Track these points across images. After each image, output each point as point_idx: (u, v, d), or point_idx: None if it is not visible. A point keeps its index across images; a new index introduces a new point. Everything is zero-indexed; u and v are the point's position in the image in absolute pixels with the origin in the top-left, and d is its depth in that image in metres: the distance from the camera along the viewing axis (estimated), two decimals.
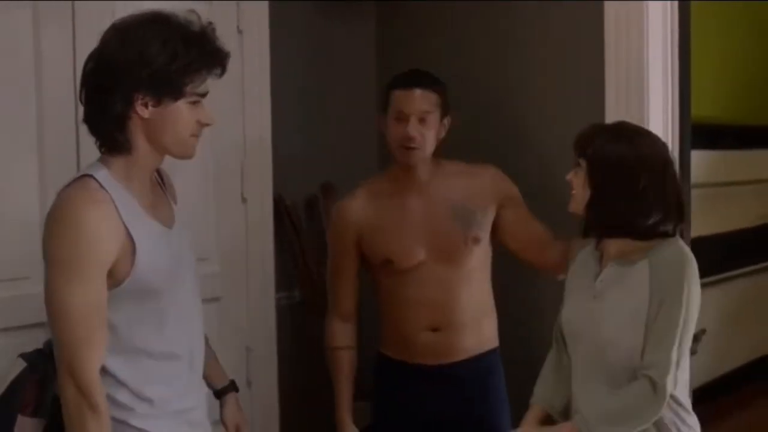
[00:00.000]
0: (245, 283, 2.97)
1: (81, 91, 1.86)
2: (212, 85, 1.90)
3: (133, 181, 1.86)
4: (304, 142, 3.22)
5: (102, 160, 1.88)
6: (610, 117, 2.65)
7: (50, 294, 1.78)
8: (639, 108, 2.62)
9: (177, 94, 1.82)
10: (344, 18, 3.35)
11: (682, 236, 2.14)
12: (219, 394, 2.18)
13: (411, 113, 2.45)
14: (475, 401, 2.61)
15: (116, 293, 1.80)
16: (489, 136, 3.04)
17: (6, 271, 2.40)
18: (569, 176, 2.14)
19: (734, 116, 5.34)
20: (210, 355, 2.12)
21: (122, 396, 1.83)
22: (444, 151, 2.74)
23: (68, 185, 1.84)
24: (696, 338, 2.96)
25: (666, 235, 2.08)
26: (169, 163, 2.01)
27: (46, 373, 1.87)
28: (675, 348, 2.00)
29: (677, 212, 2.10)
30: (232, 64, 1.94)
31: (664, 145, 2.16)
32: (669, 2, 2.66)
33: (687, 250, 2.07)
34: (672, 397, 2.03)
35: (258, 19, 2.94)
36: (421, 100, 2.46)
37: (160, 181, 2.04)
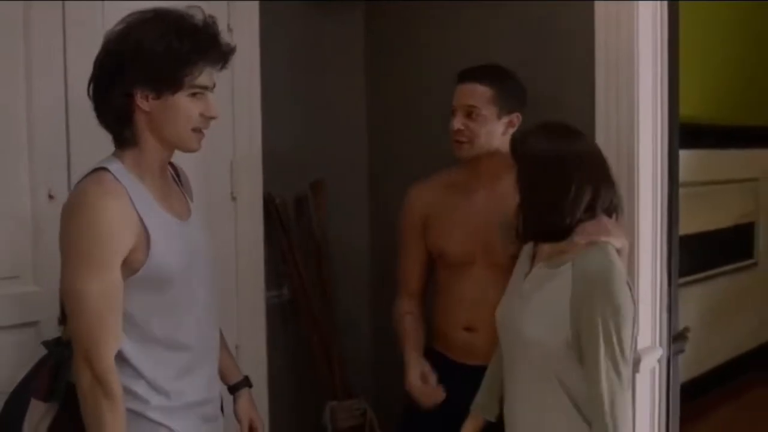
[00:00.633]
0: (235, 282, 2.97)
1: (89, 87, 1.90)
2: None
3: (144, 174, 1.90)
4: (293, 140, 3.21)
5: (115, 154, 1.92)
6: (600, 117, 2.67)
7: (67, 284, 1.83)
8: (629, 108, 2.62)
9: (175, 86, 1.85)
10: (334, 17, 3.35)
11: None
12: (233, 389, 2.21)
13: (457, 107, 2.47)
14: None
15: (131, 282, 1.84)
16: None
17: None
18: None
19: (715, 116, 5.38)
20: (224, 350, 2.15)
21: (140, 387, 1.87)
22: (436, 150, 2.76)
23: (83, 178, 1.89)
24: (683, 336, 3.00)
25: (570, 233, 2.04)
26: None
27: (60, 360, 1.92)
28: (605, 374, 1.94)
29: (613, 207, 2.08)
30: None
31: (595, 146, 2.15)
32: (659, 2, 2.67)
33: (613, 258, 2.01)
34: None
35: (248, 17, 2.93)
36: (466, 95, 2.47)
37: (176, 177, 2.08)
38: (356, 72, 3.46)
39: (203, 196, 2.84)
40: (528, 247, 2.21)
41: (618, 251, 2.06)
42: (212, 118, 1.92)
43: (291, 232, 3.17)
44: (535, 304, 2.06)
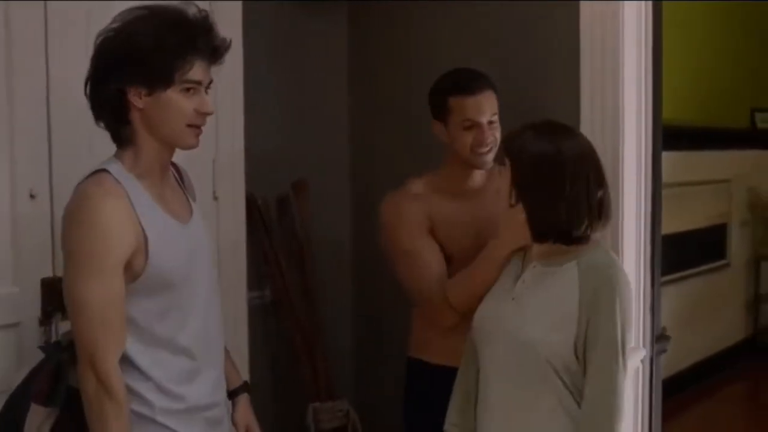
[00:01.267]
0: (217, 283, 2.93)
1: (85, 86, 1.88)
2: None
3: (145, 175, 1.88)
4: (275, 140, 3.19)
5: (116, 154, 1.90)
6: (585, 118, 2.68)
7: (69, 288, 1.81)
8: (614, 108, 2.63)
9: (166, 81, 1.82)
10: (316, 16, 3.34)
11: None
12: (231, 394, 2.18)
13: (482, 120, 2.35)
14: None
15: (133, 287, 1.82)
16: None
17: None
18: None
19: (688, 118, 5.43)
20: (225, 354, 2.12)
21: (146, 389, 1.85)
22: (418, 150, 2.75)
23: (84, 180, 1.86)
24: (665, 336, 3.02)
25: (587, 239, 2.03)
26: None
27: (60, 364, 1.90)
28: (620, 368, 1.94)
29: (600, 217, 2.04)
30: None
31: (590, 146, 2.10)
32: (644, 2, 2.68)
33: (615, 256, 2.05)
34: None
35: (231, 18, 2.90)
36: (488, 104, 2.37)
37: (179, 177, 2.06)
38: (339, 72, 3.45)
39: None
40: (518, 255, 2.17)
41: None
42: (207, 113, 1.90)
43: (273, 233, 3.15)
44: (536, 303, 2.02)
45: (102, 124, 1.90)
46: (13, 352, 2.39)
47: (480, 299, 2.16)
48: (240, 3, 2.90)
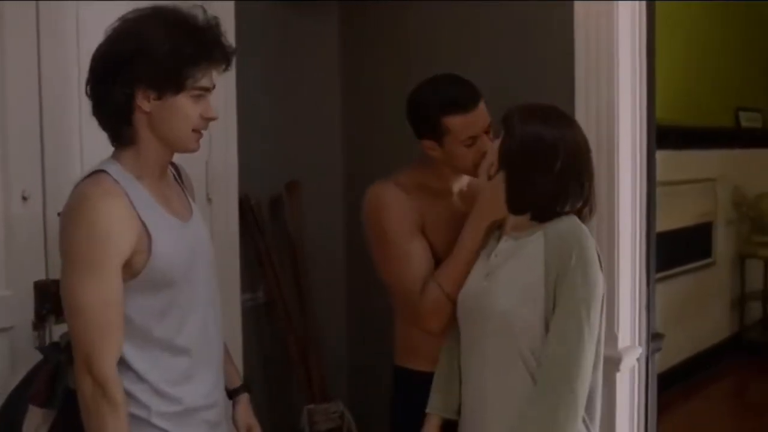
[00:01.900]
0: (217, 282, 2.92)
1: (86, 86, 1.85)
2: None
3: (144, 175, 1.86)
4: (268, 142, 3.18)
5: (114, 155, 1.88)
6: (580, 117, 2.66)
7: (66, 289, 1.78)
8: (608, 108, 2.64)
9: (177, 87, 1.81)
10: (308, 17, 3.32)
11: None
12: (232, 394, 2.17)
13: (480, 133, 2.21)
14: None
15: (132, 285, 1.80)
16: None
17: None
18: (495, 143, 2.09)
19: (674, 117, 5.46)
20: (224, 355, 2.11)
21: (142, 392, 1.83)
22: (410, 151, 2.71)
23: (82, 181, 1.84)
24: (659, 335, 3.02)
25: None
26: None
27: (58, 365, 1.88)
28: (584, 330, 1.90)
29: (583, 207, 2.05)
30: None
31: (585, 140, 2.08)
32: (638, 2, 2.68)
33: (583, 225, 2.01)
34: None
35: (224, 18, 2.87)
36: (484, 113, 2.23)
37: (178, 177, 2.04)
38: (331, 72, 3.44)
39: None
40: (495, 234, 2.17)
41: None
42: (211, 119, 1.89)
43: (266, 234, 3.13)
44: (506, 274, 2.02)
45: (101, 123, 1.87)
46: (6, 355, 2.38)
47: None
48: (233, 3, 2.89)
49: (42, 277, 2.42)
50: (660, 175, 5.22)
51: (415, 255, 2.23)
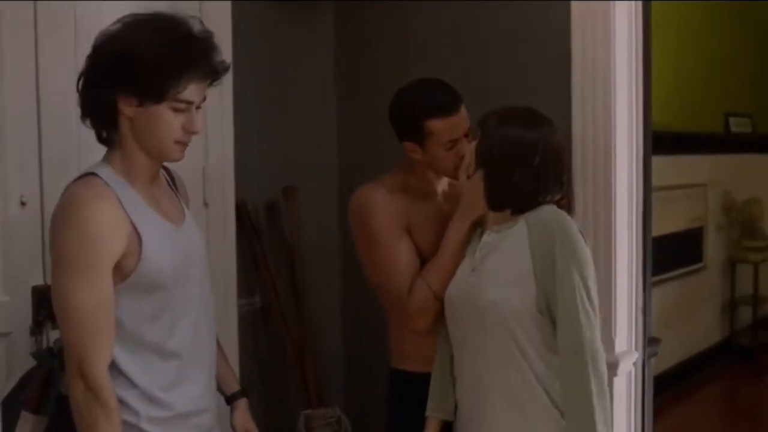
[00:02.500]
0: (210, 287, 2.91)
1: (78, 82, 1.85)
2: None
3: (134, 178, 1.85)
4: (264, 146, 3.17)
5: (105, 158, 1.87)
6: (576, 118, 2.68)
7: (57, 292, 1.77)
8: (605, 109, 2.64)
9: (158, 97, 1.79)
10: (304, 19, 3.32)
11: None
12: (229, 399, 2.16)
13: (461, 137, 2.25)
14: None
15: (123, 288, 1.79)
16: None
17: None
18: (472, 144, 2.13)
19: (665, 122, 5.48)
20: (222, 360, 2.10)
21: (132, 397, 1.82)
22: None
23: (72, 183, 1.83)
24: (655, 339, 3.03)
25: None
26: None
27: (51, 371, 1.87)
28: (588, 314, 1.96)
29: (564, 195, 2.10)
30: None
31: (561, 143, 2.13)
32: (634, 2, 2.69)
33: (562, 211, 2.06)
34: None
35: (220, 19, 2.87)
36: (464, 117, 2.27)
37: (171, 182, 2.03)
38: (327, 76, 3.45)
39: None
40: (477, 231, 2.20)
41: None
42: (194, 133, 1.86)
43: (263, 239, 3.13)
44: (492, 266, 2.05)
45: (88, 123, 1.87)
46: (4, 361, 2.36)
47: None
48: (229, 3, 2.88)
49: (40, 282, 2.40)
50: (653, 180, 5.28)
51: (402, 256, 2.26)
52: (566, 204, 2.14)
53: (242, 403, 2.17)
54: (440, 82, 2.31)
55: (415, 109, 2.26)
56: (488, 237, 2.11)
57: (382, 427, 2.63)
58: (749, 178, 6.83)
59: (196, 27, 1.81)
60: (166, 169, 2.01)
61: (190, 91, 1.80)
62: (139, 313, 1.82)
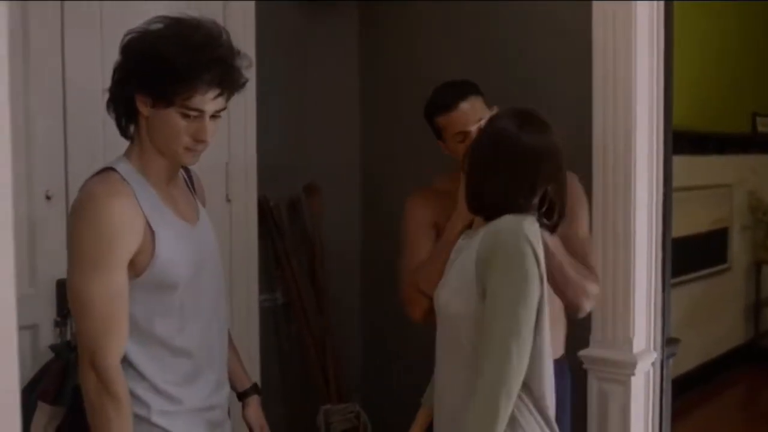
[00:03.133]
0: (228, 285, 2.92)
1: (113, 74, 1.88)
2: None
3: (151, 176, 1.87)
4: (287, 143, 3.20)
5: (125, 153, 1.90)
6: (597, 119, 2.67)
7: (72, 286, 1.80)
8: (626, 109, 2.62)
9: (167, 101, 1.80)
10: (328, 19, 3.34)
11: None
12: (241, 396, 2.18)
13: (471, 128, 2.32)
14: None
15: (136, 284, 1.80)
16: None
17: None
18: None
19: (690, 123, 5.45)
20: (233, 356, 2.12)
21: (142, 390, 1.84)
22: (429, 153, 2.73)
23: (90, 178, 1.85)
24: (674, 340, 3.02)
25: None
26: None
27: (68, 363, 1.91)
28: (511, 340, 1.85)
29: (542, 204, 2.00)
30: None
31: (556, 146, 2.02)
32: (656, 2, 2.67)
33: (525, 222, 1.93)
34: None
35: (244, 19, 2.91)
36: (472, 111, 2.34)
37: (189, 181, 2.05)
38: (350, 74, 3.46)
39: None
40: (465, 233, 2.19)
41: None
42: (202, 142, 1.85)
43: (285, 235, 3.15)
44: (453, 270, 2.05)
45: (112, 115, 1.90)
46: (29, 353, 2.39)
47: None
48: (253, 4, 2.91)
49: (64, 275, 2.43)
50: (675, 180, 5.23)
51: (418, 251, 2.42)
52: (550, 213, 2.02)
53: (254, 400, 2.19)
54: (453, 81, 2.43)
55: (426, 109, 2.44)
56: (461, 241, 2.10)
57: (402, 422, 2.65)
58: None
59: (216, 36, 1.81)
60: (185, 168, 2.02)
61: (200, 100, 1.79)
62: (151, 309, 1.84)
